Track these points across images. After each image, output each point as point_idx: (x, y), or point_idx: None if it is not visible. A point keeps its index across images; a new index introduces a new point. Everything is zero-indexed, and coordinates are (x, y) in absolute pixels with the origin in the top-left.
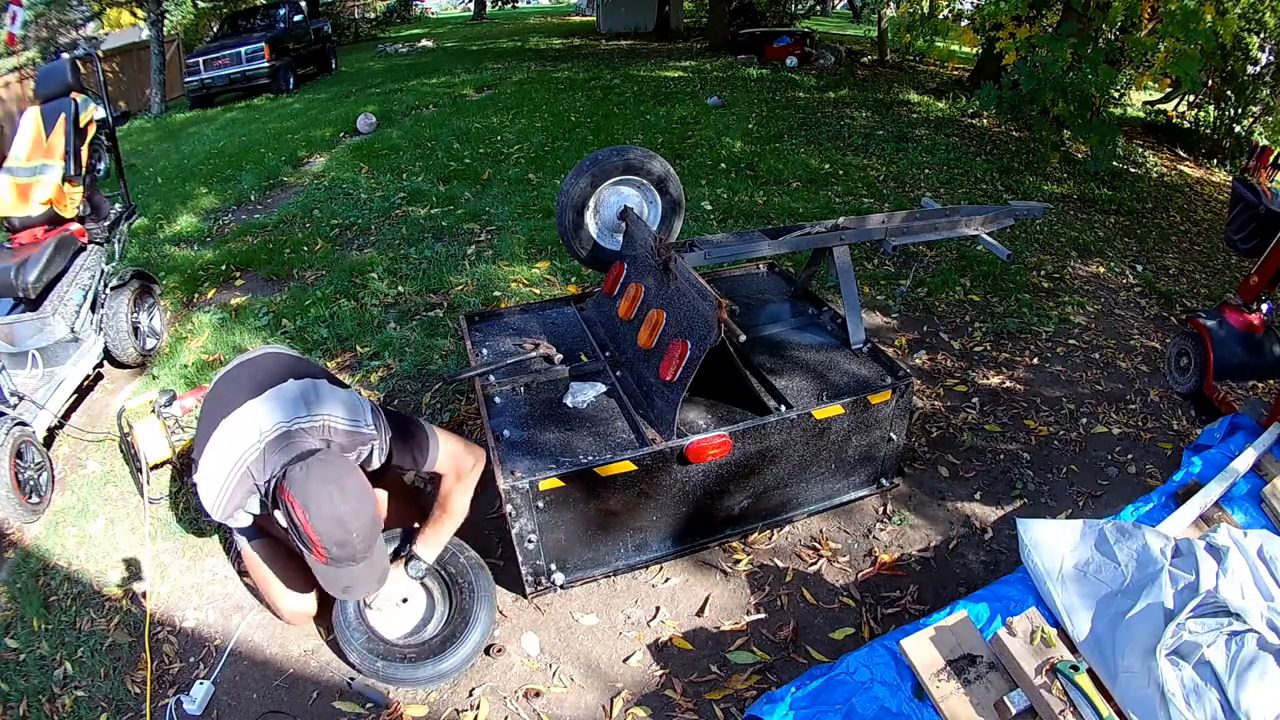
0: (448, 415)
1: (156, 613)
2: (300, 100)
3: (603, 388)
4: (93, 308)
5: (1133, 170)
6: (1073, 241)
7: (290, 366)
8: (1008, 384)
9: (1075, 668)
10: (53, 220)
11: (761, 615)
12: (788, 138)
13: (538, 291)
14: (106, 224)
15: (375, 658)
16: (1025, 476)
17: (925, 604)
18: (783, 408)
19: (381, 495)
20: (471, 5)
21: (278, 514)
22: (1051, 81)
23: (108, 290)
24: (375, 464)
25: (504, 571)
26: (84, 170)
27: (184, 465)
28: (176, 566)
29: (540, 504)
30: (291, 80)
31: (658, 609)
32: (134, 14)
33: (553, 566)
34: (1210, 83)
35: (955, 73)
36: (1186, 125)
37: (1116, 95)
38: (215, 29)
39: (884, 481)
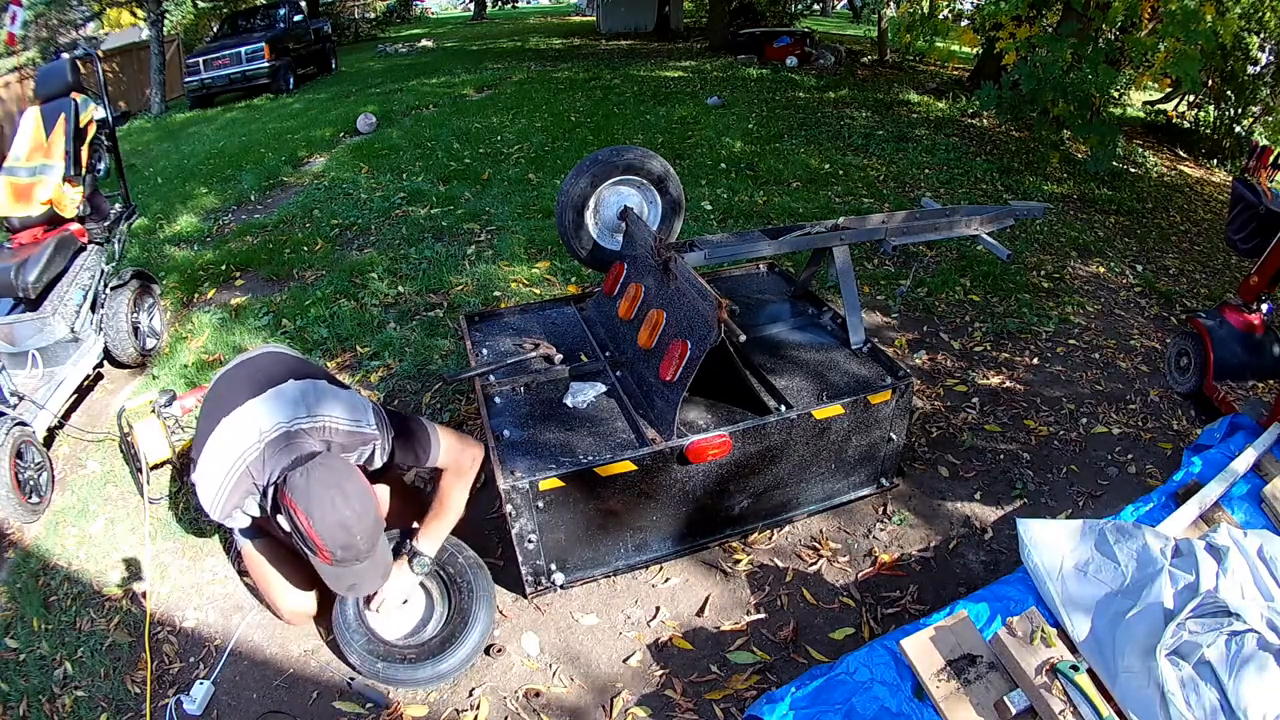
0: (448, 415)
1: (156, 613)
2: (300, 100)
3: (603, 388)
4: (93, 308)
5: (1133, 170)
6: (1073, 241)
7: (290, 367)
8: (1008, 384)
9: (1075, 668)
10: (53, 220)
11: (761, 615)
12: (788, 138)
13: (538, 291)
14: (106, 224)
15: (375, 659)
16: (1025, 476)
17: (925, 604)
18: (783, 408)
19: (382, 493)
20: (471, 5)
21: (280, 518)
22: (1051, 81)
23: (108, 290)
24: (377, 463)
25: (504, 571)
26: (84, 170)
27: (184, 465)
28: (176, 566)
29: (540, 504)
30: (291, 80)
31: (658, 609)
32: (134, 14)
33: (553, 566)
34: (1210, 83)
35: (955, 73)
36: (1186, 125)
37: (1116, 95)
38: (215, 29)
39: (884, 481)
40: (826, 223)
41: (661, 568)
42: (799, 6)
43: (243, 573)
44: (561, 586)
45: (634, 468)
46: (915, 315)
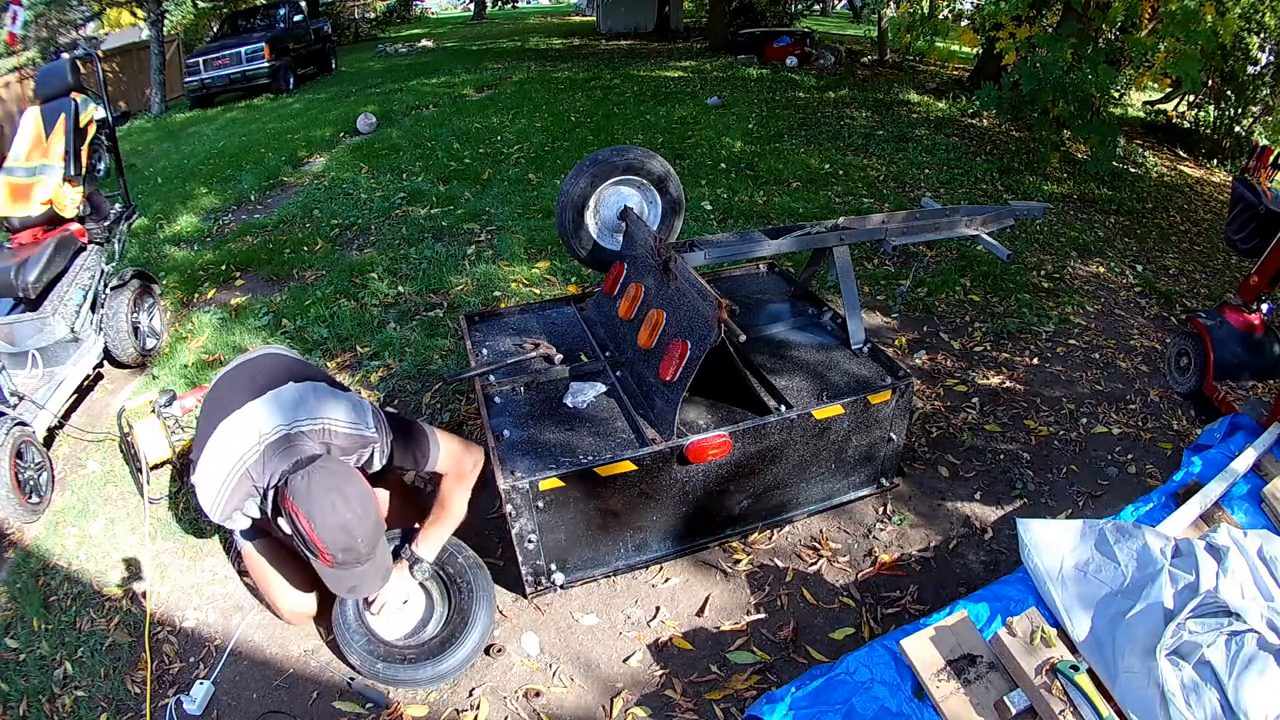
0: (448, 415)
1: (156, 613)
2: (300, 100)
3: (603, 388)
4: (93, 308)
5: (1133, 170)
6: (1073, 241)
7: (290, 368)
8: (1008, 384)
9: (1075, 668)
10: (53, 220)
11: (761, 615)
12: (788, 138)
13: (538, 291)
14: (106, 224)
15: (375, 659)
16: (1025, 476)
17: (925, 604)
18: (783, 408)
19: (382, 495)
20: (471, 5)
21: (281, 521)
22: (1052, 81)
23: (108, 290)
24: (376, 466)
25: (504, 571)
26: (84, 170)
27: (184, 465)
28: (176, 566)
29: (540, 504)
30: (291, 80)
31: (658, 609)
32: (134, 14)
33: (553, 566)
34: (1210, 83)
35: (955, 73)
36: (1186, 125)
37: (1116, 95)
38: (215, 29)
39: (884, 481)
40: (826, 223)
41: (661, 568)
42: (799, 6)
43: (243, 573)
44: (561, 586)
45: (634, 468)
46: (915, 315)
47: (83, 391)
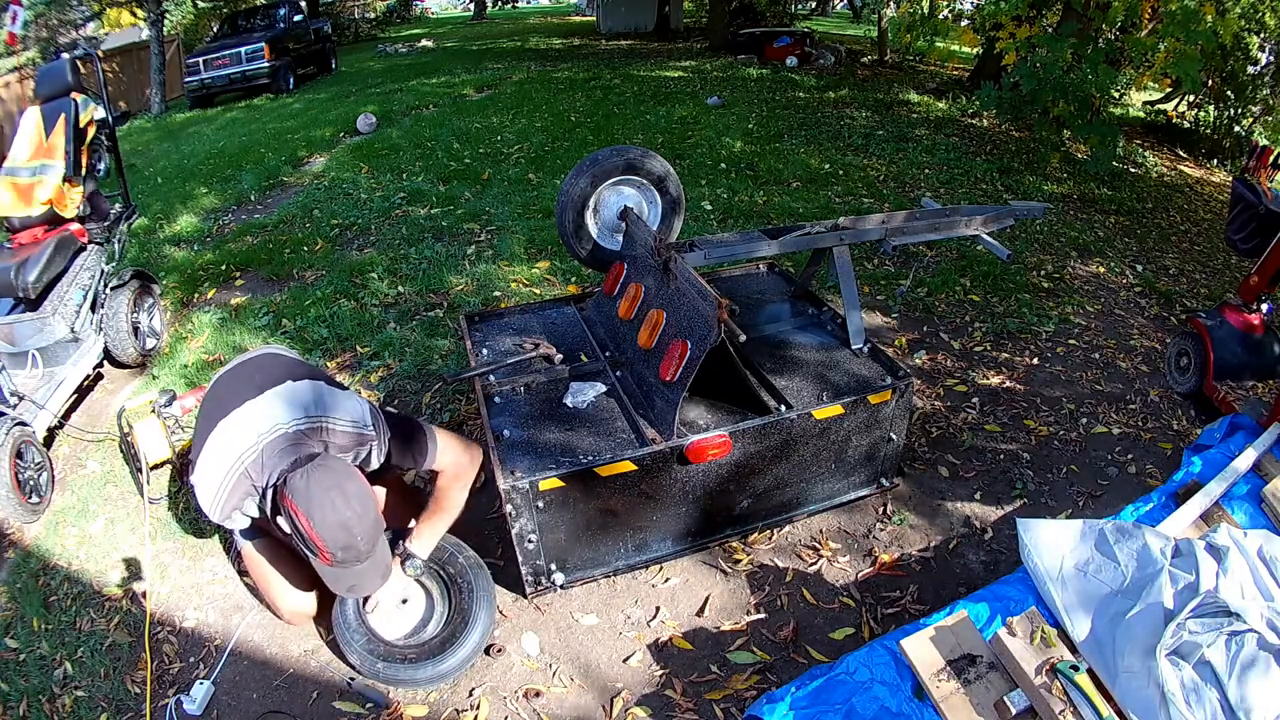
0: (448, 415)
1: (156, 613)
2: (300, 100)
3: (603, 388)
4: (93, 308)
5: (1133, 170)
6: (1073, 241)
7: (289, 368)
8: (1008, 384)
9: (1075, 668)
10: (53, 220)
11: (761, 615)
12: (788, 138)
13: (538, 291)
14: (106, 224)
15: (375, 659)
16: (1025, 476)
17: (925, 604)
18: (783, 408)
19: (380, 493)
20: (471, 5)
21: (280, 520)
22: (1052, 82)
23: (108, 290)
24: (374, 464)
25: (504, 571)
26: (84, 170)
27: (184, 465)
28: (176, 566)
29: (540, 504)
30: (291, 80)
31: (658, 609)
32: (134, 14)
33: (553, 566)
34: (1210, 83)
35: (955, 73)
36: (1186, 125)
37: (1116, 95)
38: (215, 29)
39: (884, 481)
40: (826, 223)
41: (661, 568)
42: (799, 7)
43: (243, 573)
44: (561, 586)
45: (634, 468)
46: (915, 315)
47: (83, 391)
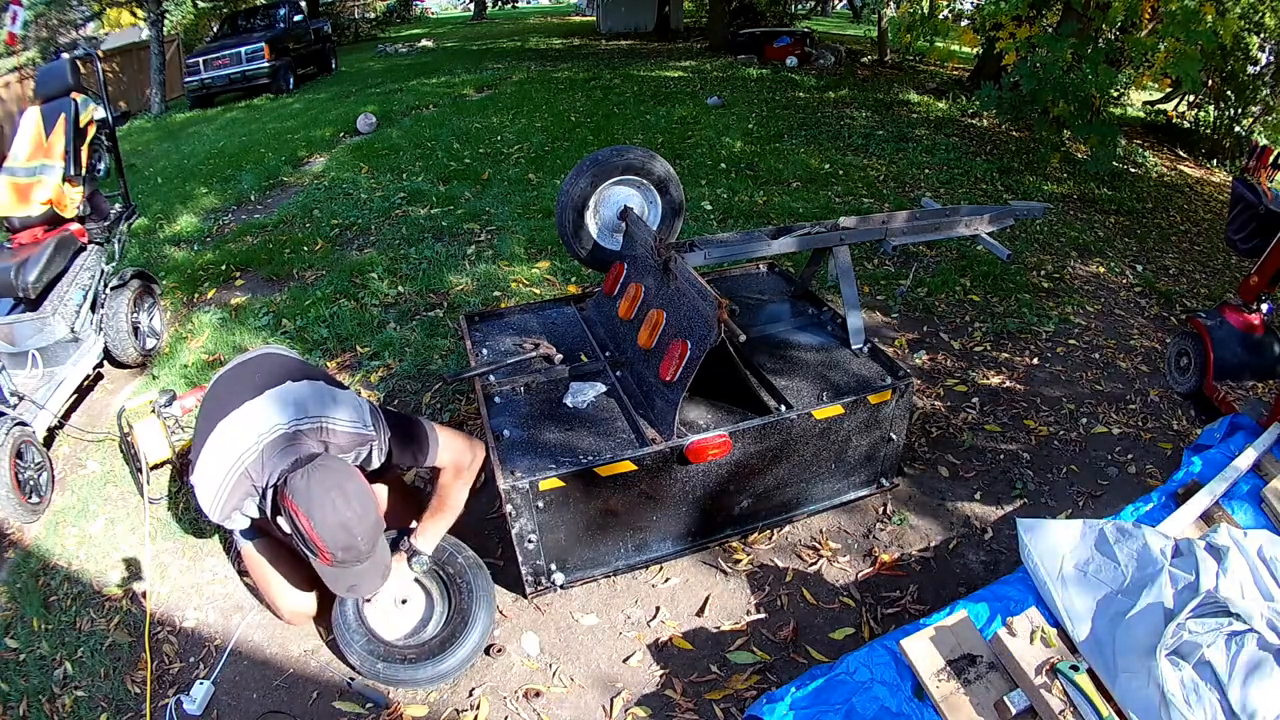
0: (448, 415)
1: (156, 613)
2: (300, 100)
3: (603, 388)
4: (93, 308)
5: (1133, 170)
6: (1073, 241)
7: (289, 368)
8: (1008, 384)
9: (1075, 668)
10: (53, 220)
11: (761, 615)
12: (788, 138)
13: (538, 291)
14: (106, 224)
15: (375, 659)
16: (1025, 476)
17: (925, 604)
18: (783, 408)
19: (381, 493)
20: (471, 5)
21: (280, 520)
22: (1052, 82)
23: (108, 290)
24: (375, 464)
25: (504, 571)
26: (84, 170)
27: (184, 465)
28: (176, 566)
29: (540, 504)
30: (291, 80)
31: (658, 609)
32: (134, 14)
33: (553, 566)
34: (1210, 83)
35: (955, 73)
36: (1186, 125)
37: (1116, 95)
38: (215, 29)
39: (884, 481)
40: (827, 223)
41: (661, 568)
42: (799, 7)
43: (243, 573)
44: (561, 586)
45: (634, 468)
46: (915, 315)
47: (83, 391)
